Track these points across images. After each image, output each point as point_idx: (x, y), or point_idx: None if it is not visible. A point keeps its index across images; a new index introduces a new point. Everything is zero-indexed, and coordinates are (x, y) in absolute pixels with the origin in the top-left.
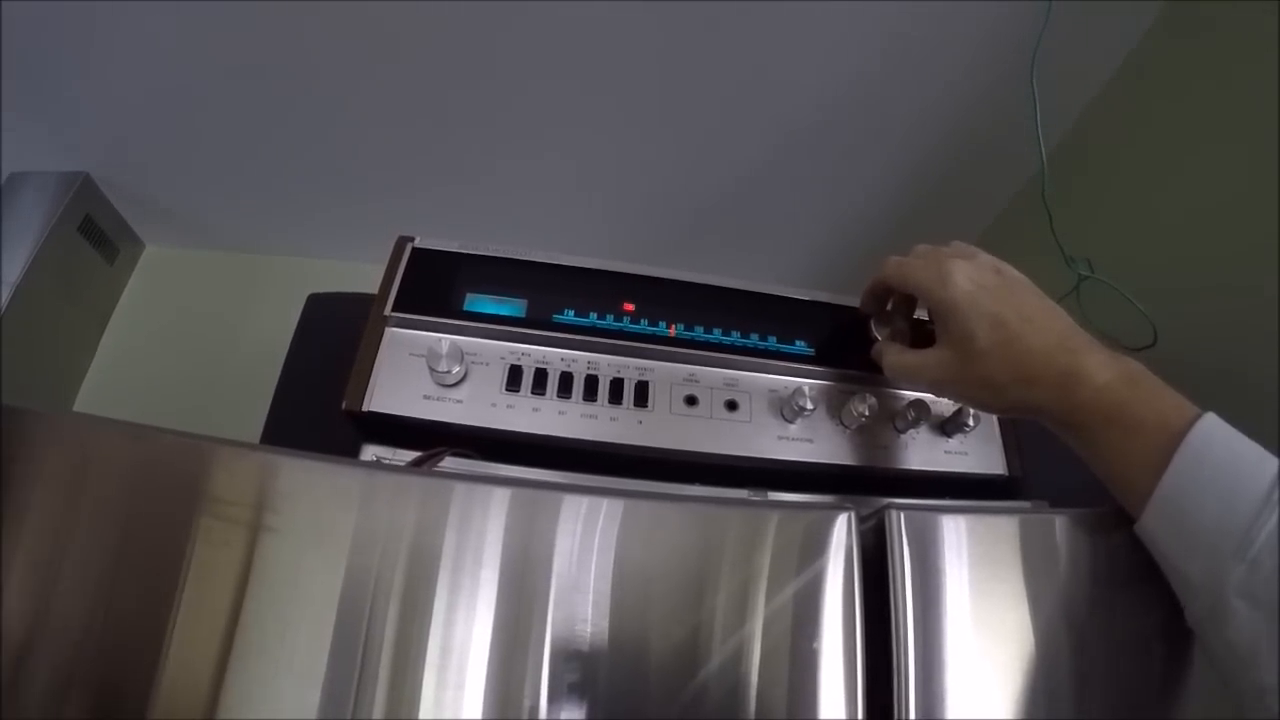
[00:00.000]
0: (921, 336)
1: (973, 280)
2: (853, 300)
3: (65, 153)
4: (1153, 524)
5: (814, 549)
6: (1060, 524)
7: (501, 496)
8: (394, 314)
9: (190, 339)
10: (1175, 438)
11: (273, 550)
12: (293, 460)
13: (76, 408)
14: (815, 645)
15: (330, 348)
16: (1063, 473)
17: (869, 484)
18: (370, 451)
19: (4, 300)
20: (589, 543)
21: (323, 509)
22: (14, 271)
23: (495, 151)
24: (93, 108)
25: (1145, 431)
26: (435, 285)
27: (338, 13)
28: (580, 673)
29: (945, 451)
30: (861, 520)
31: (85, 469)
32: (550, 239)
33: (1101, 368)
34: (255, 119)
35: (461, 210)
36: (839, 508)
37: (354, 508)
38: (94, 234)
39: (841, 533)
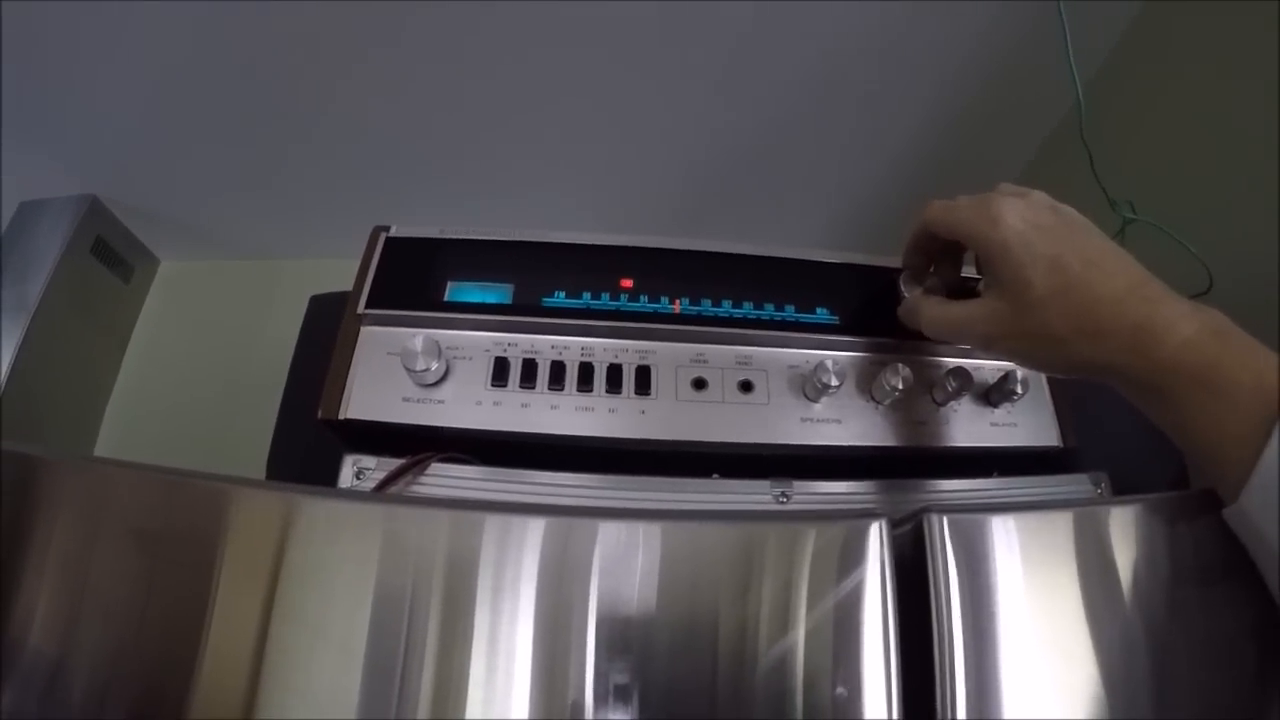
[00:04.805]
0: (963, 296)
1: (1026, 220)
2: (879, 260)
3: (71, 177)
4: (1251, 507)
5: (841, 566)
6: (1129, 515)
7: (536, 526)
8: (368, 311)
9: (213, 350)
10: (1277, 404)
11: (295, 593)
12: (312, 499)
13: (103, 429)
14: (842, 690)
15: (333, 349)
16: (1120, 441)
17: (908, 465)
18: (352, 461)
19: (24, 330)
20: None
21: (347, 548)
22: (31, 300)
23: (505, 139)
24: (94, 129)
25: (1241, 396)
26: (414, 277)
27: (338, 17)
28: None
29: (991, 424)
30: (895, 525)
31: (102, 515)
32: (565, 223)
33: (1184, 319)
34: (261, 125)
35: (474, 199)
36: (868, 516)
37: (377, 545)
38: (107, 255)
39: (870, 545)
